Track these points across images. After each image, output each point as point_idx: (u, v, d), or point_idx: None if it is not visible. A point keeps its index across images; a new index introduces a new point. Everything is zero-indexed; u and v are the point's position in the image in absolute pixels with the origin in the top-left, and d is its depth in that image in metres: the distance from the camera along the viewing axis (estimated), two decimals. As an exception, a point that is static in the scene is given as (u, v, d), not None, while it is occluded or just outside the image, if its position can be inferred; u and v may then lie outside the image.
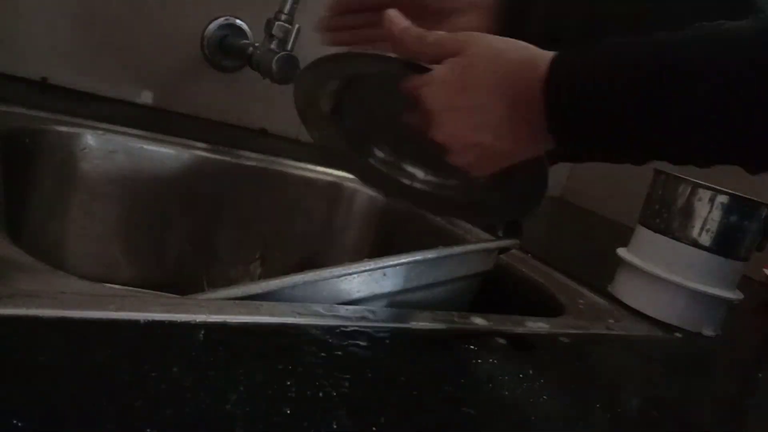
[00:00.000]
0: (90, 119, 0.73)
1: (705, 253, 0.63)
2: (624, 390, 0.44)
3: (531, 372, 0.41)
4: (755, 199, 0.62)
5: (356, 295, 0.49)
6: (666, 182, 0.65)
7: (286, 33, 0.83)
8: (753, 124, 0.35)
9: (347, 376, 0.33)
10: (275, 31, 0.82)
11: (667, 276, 0.63)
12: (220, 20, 0.95)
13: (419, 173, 0.60)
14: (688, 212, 0.63)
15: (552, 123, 0.39)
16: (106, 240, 0.75)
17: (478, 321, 0.47)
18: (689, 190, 0.63)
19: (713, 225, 0.62)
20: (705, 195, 0.62)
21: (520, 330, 0.48)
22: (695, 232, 0.63)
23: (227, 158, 0.81)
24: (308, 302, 0.42)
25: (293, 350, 0.34)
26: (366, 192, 0.88)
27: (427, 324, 0.44)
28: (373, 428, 0.29)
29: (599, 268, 0.75)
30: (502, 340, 0.45)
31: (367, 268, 0.50)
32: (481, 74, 0.40)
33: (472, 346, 0.42)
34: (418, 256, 0.54)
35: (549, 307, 0.61)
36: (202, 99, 0.98)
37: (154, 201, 0.77)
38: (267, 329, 0.36)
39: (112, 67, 0.91)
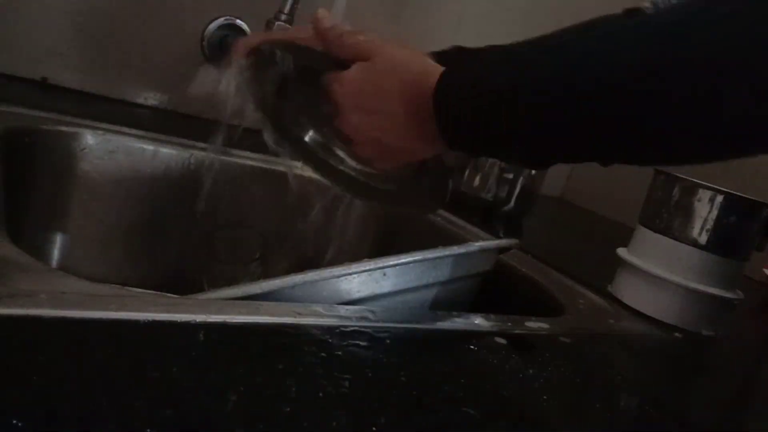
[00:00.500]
0: (90, 119, 0.73)
1: (705, 253, 0.63)
2: (624, 390, 0.44)
3: (531, 372, 0.41)
4: (755, 199, 0.62)
5: (356, 295, 0.49)
6: (666, 182, 0.65)
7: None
8: (597, 127, 0.40)
9: (347, 376, 0.33)
10: (275, 31, 0.82)
11: (667, 276, 0.63)
12: (220, 20, 0.95)
13: (346, 158, 0.64)
14: (688, 212, 0.63)
15: (440, 127, 0.44)
16: (106, 240, 0.75)
17: (478, 321, 0.47)
18: (689, 190, 0.63)
19: (713, 225, 0.62)
20: (705, 195, 0.62)
21: (520, 330, 0.48)
22: (695, 232, 0.63)
23: (227, 158, 0.81)
24: (308, 302, 0.42)
25: (293, 350, 0.34)
26: (366, 192, 0.88)
27: (427, 324, 0.44)
28: (373, 428, 0.29)
29: (599, 268, 0.75)
30: (502, 340, 0.45)
31: (367, 268, 0.50)
32: (386, 81, 0.47)
33: (472, 346, 0.42)
34: (418, 256, 0.54)
35: (549, 307, 0.61)
36: (202, 99, 0.98)
37: (154, 201, 0.77)
38: (267, 329, 0.36)
39: (112, 67, 0.91)
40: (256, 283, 0.41)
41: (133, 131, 0.75)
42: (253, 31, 0.96)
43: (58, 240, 0.72)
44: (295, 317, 0.38)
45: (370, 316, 0.41)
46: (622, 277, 0.68)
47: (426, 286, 0.57)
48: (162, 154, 0.76)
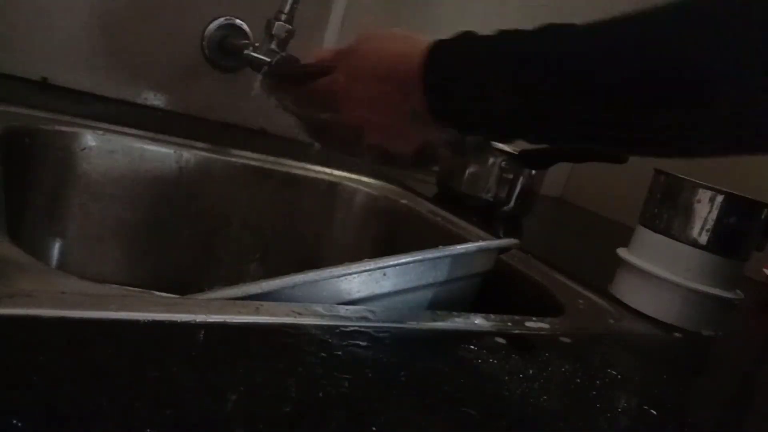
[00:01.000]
0: (90, 119, 0.73)
1: (705, 253, 0.63)
2: (624, 390, 0.44)
3: (531, 372, 0.41)
4: (755, 199, 0.62)
5: (356, 295, 0.49)
6: (666, 182, 0.65)
7: (287, 33, 0.83)
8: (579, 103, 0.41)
9: (347, 376, 0.33)
10: (275, 31, 0.82)
11: (667, 276, 0.63)
12: (220, 20, 0.95)
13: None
14: (688, 212, 0.63)
15: (429, 102, 0.46)
16: (106, 240, 0.75)
17: (478, 321, 0.47)
18: (689, 190, 0.63)
19: (713, 225, 0.62)
20: (705, 195, 0.62)
21: (520, 330, 0.48)
22: (695, 232, 0.63)
23: (227, 158, 0.81)
24: (308, 302, 0.42)
25: (293, 350, 0.34)
26: (366, 192, 0.88)
27: (427, 324, 0.44)
28: (373, 428, 0.29)
29: (599, 268, 0.75)
30: (502, 340, 0.45)
31: (367, 268, 0.50)
32: (369, 67, 0.49)
33: (472, 346, 0.42)
34: (418, 256, 0.54)
35: (549, 307, 0.61)
36: (202, 99, 0.98)
37: (154, 201, 0.77)
38: (267, 329, 0.36)
39: (112, 67, 0.91)
40: (256, 283, 0.41)
41: (133, 131, 0.75)
42: (254, 31, 0.96)
43: (58, 240, 0.72)
44: (295, 317, 0.38)
45: (370, 316, 0.41)
46: (622, 277, 0.68)
47: (426, 286, 0.57)
48: (162, 154, 0.76)
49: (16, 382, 0.25)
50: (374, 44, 0.50)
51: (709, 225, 0.62)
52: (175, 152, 0.77)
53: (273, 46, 0.83)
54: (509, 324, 0.49)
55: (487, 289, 0.67)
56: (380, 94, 0.49)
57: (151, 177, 0.76)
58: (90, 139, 0.71)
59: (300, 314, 0.39)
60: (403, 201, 0.86)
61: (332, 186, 0.87)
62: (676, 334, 0.62)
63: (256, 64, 0.83)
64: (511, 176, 0.98)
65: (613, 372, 0.46)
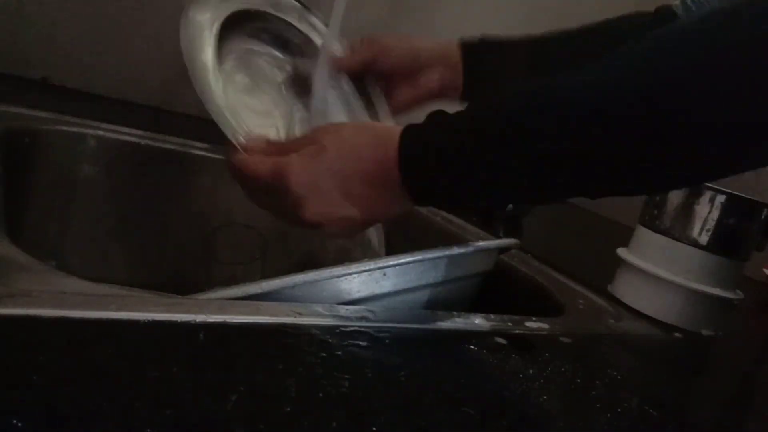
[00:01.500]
0: (90, 119, 0.73)
1: (705, 253, 0.63)
2: (624, 390, 0.44)
3: (531, 372, 0.41)
4: (755, 199, 0.62)
5: (356, 295, 0.49)
6: (666, 182, 0.65)
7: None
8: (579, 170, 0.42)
9: (347, 376, 0.33)
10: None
11: (667, 276, 0.63)
12: (220, 20, 0.95)
13: None
14: (687, 212, 0.63)
15: (408, 188, 0.44)
16: (105, 240, 0.75)
17: (478, 321, 0.47)
18: (689, 190, 0.63)
19: (713, 225, 0.62)
20: (705, 195, 0.62)
21: (520, 330, 0.48)
22: (695, 232, 0.63)
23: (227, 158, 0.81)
24: (308, 302, 0.42)
25: (293, 350, 0.34)
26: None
27: (427, 324, 0.44)
28: (373, 428, 0.29)
29: (599, 268, 0.75)
30: (502, 340, 0.45)
31: (367, 268, 0.50)
32: (335, 160, 0.45)
33: (472, 346, 0.42)
34: (418, 256, 0.54)
35: (549, 307, 0.61)
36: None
37: (154, 201, 0.77)
38: (267, 329, 0.36)
39: (112, 67, 0.91)
40: (256, 283, 0.41)
41: (133, 131, 0.75)
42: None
43: (58, 240, 0.72)
44: (295, 317, 0.38)
45: (370, 316, 0.41)
46: (622, 277, 0.68)
47: (426, 286, 0.57)
48: (162, 154, 0.76)
49: (16, 382, 0.25)
50: (338, 137, 0.46)
51: (709, 225, 0.62)
52: (175, 152, 0.77)
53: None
54: (509, 324, 0.49)
55: (487, 289, 0.67)
56: (355, 191, 0.45)
57: (151, 177, 0.76)
58: (90, 139, 0.71)
59: (300, 314, 0.39)
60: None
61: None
62: (676, 334, 0.62)
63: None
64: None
65: (613, 372, 0.46)
